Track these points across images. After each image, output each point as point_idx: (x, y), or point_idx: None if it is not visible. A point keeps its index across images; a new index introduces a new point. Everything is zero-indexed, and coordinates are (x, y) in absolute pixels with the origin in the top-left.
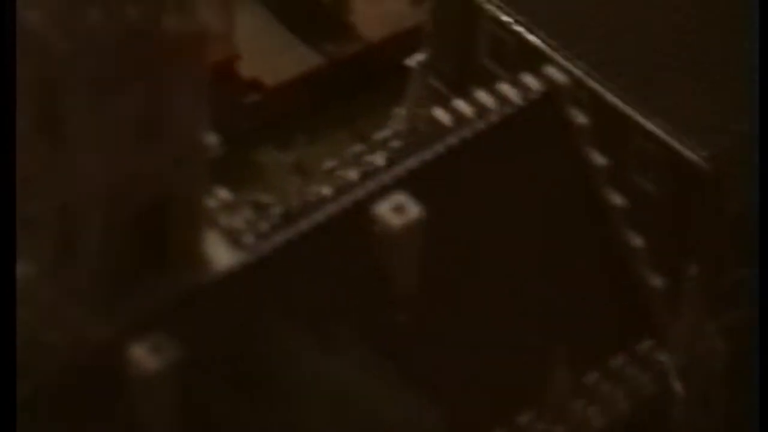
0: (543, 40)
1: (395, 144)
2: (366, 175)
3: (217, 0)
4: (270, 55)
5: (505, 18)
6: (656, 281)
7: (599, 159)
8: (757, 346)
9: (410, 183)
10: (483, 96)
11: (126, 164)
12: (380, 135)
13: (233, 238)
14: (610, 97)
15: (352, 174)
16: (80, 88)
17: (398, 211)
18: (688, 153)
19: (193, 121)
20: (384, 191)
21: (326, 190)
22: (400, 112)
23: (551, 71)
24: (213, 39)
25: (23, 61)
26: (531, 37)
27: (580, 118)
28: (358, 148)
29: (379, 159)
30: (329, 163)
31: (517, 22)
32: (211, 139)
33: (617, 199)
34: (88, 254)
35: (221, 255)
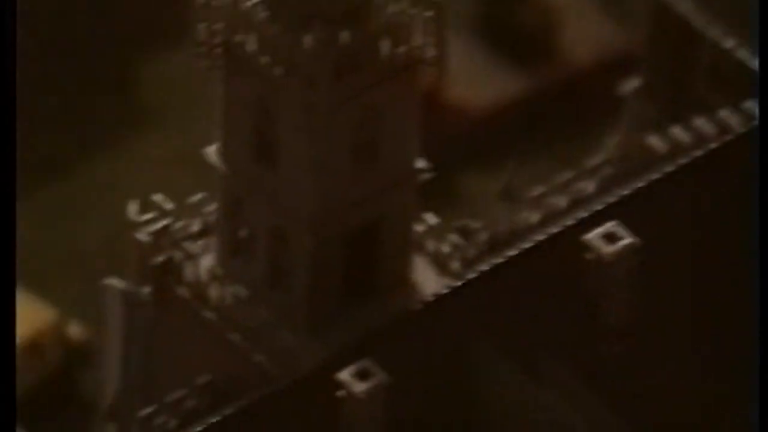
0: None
1: (607, 171)
2: (576, 203)
3: (431, 26)
4: (476, 80)
5: (727, 43)
6: None
7: None
8: (757, 346)
9: (622, 211)
10: (701, 123)
11: (339, 189)
12: (591, 162)
13: (440, 264)
14: None
15: (562, 201)
16: (294, 112)
17: (610, 239)
18: None
19: (405, 145)
20: (595, 219)
21: (535, 217)
22: (612, 138)
23: None
24: (426, 65)
25: (238, 83)
26: (755, 64)
27: None
28: (567, 174)
29: (589, 186)
30: (538, 190)
31: (739, 47)
32: (421, 163)
33: None
34: (298, 278)
35: (428, 281)
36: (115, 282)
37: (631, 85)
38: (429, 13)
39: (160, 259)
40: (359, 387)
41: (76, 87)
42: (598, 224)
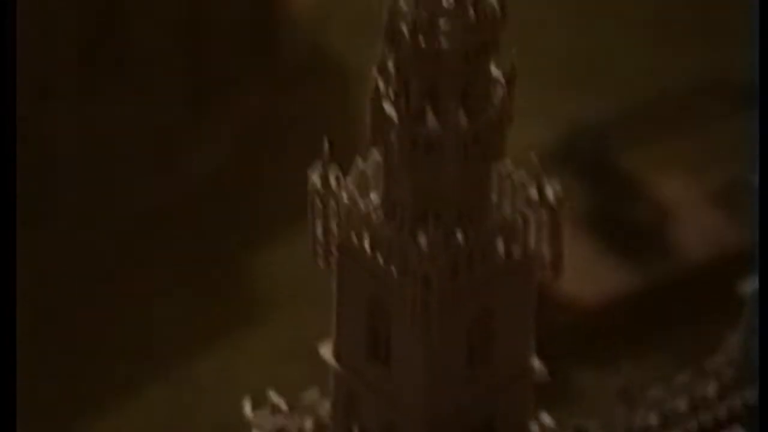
0: None
1: (729, 373)
2: (697, 406)
3: (549, 229)
4: (590, 275)
5: None
6: None
7: None
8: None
9: (746, 417)
10: None
11: (453, 388)
12: (712, 363)
13: None
14: None
15: (682, 404)
16: (409, 311)
17: None
18: None
19: (519, 344)
20: (718, 425)
21: (653, 420)
22: (734, 338)
23: None
24: (542, 266)
25: (353, 282)
26: None
27: None
28: (687, 376)
29: (711, 389)
30: (656, 391)
31: None
32: (537, 363)
33: None
34: None
35: None
36: None
37: (751, 284)
38: (544, 215)
39: None
40: None
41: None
42: (721, 429)
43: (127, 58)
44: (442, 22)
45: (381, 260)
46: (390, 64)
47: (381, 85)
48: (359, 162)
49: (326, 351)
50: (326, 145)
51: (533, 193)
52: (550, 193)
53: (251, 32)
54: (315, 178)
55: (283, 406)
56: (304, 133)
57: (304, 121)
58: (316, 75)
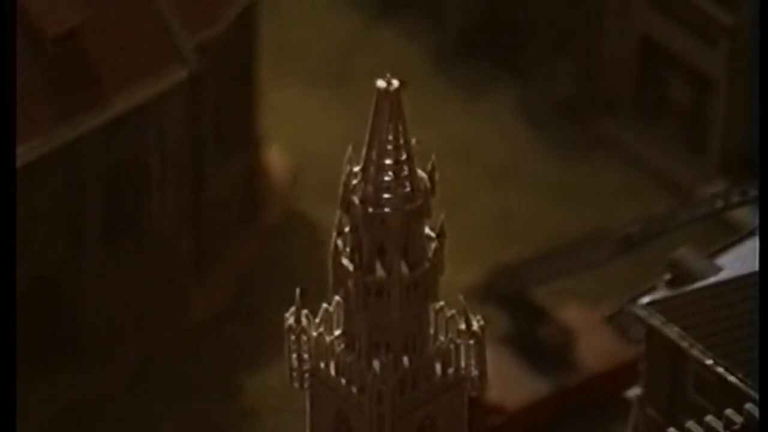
0: (742, 380)
1: None
2: None
3: (473, 351)
4: (510, 384)
5: (708, 361)
6: None
7: None
8: (756, 347)
9: None
10: (693, 426)
11: None
12: None
13: None
14: None
15: None
16: (366, 422)
17: None
18: None
19: None
20: None
21: None
22: None
23: (750, 407)
24: (471, 381)
25: (322, 399)
26: (731, 378)
27: None
28: None
29: None
30: None
31: (717, 364)
32: None
33: None
34: None
35: None
36: None
37: (634, 391)
38: (471, 341)
39: None
40: None
41: (179, 393)
42: None
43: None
44: (385, 193)
45: (344, 381)
46: (346, 228)
47: (339, 243)
48: (324, 305)
49: None
50: (298, 294)
51: (462, 325)
52: (475, 324)
53: (239, 203)
54: (290, 318)
55: None
56: (286, 280)
57: (285, 272)
58: (293, 236)
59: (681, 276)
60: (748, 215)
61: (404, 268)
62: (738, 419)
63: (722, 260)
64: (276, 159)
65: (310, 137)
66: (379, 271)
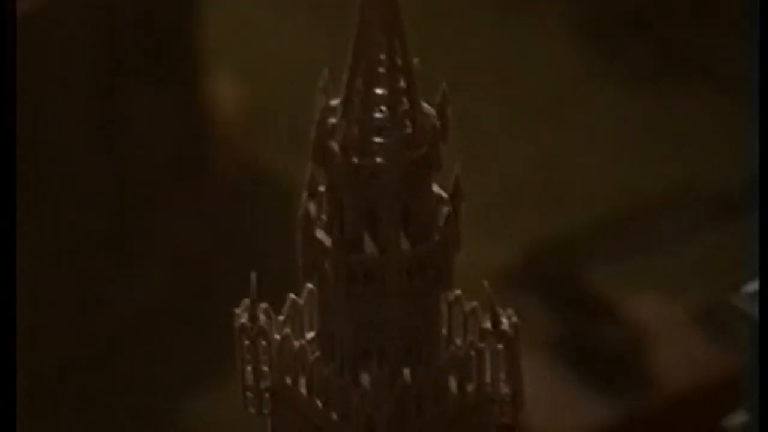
0: None
1: None
2: None
3: (506, 362)
4: (559, 407)
5: None
6: None
7: None
8: (757, 347)
9: None
10: None
11: None
12: None
13: None
14: None
15: None
16: None
17: None
18: None
19: None
20: None
21: None
22: None
23: None
24: (499, 403)
25: (289, 428)
26: None
27: None
28: None
29: None
30: None
31: None
32: None
33: None
34: None
35: None
36: None
37: (737, 419)
38: (500, 346)
39: None
40: None
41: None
42: None
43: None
44: (376, 137)
45: (319, 404)
46: (321, 186)
47: (312, 209)
48: (291, 296)
49: None
50: (253, 280)
51: (487, 323)
52: (505, 321)
53: (178, 152)
54: (242, 315)
55: None
56: (237, 262)
57: (237, 248)
58: (249, 197)
59: None
60: None
61: (404, 243)
62: None
63: None
64: (226, 91)
65: (272, 60)
66: (369, 248)
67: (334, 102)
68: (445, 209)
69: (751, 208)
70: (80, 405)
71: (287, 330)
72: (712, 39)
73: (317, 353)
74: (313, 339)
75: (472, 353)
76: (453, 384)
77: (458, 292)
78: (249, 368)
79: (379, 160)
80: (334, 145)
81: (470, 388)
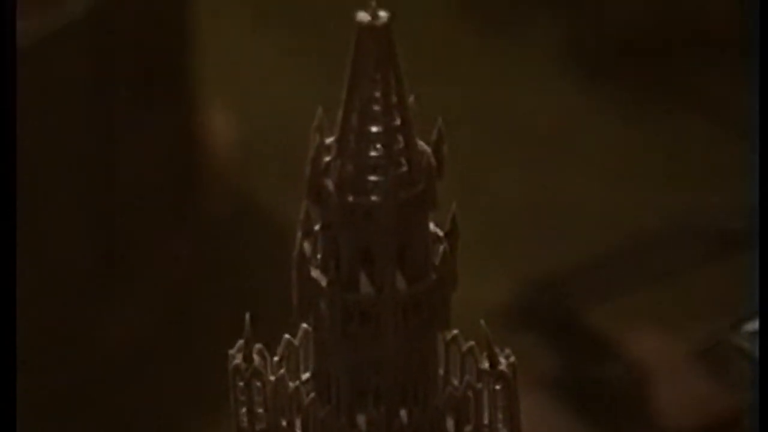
0: None
1: None
2: None
3: (504, 402)
4: None
5: None
6: None
7: None
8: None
9: None
10: None
11: None
12: None
13: None
14: None
15: None
16: None
17: None
18: None
19: None
20: None
21: None
22: None
23: None
24: None
25: None
26: None
27: None
28: None
29: None
30: None
31: None
32: None
33: None
34: None
35: None
36: None
37: None
38: (498, 386)
39: None
40: None
41: None
42: None
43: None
44: (371, 175)
45: None
46: (316, 225)
47: (307, 247)
48: (287, 336)
49: None
50: (247, 320)
51: (484, 362)
52: (502, 361)
53: (171, 187)
54: (236, 355)
55: None
56: (230, 301)
57: (230, 286)
58: (242, 234)
59: None
60: None
61: (400, 282)
62: None
63: None
64: (219, 126)
65: (266, 95)
66: (365, 287)
67: (329, 140)
68: (441, 247)
69: (751, 244)
70: None
71: (282, 371)
72: (711, 69)
73: (313, 394)
74: (308, 380)
75: (470, 394)
76: (450, 425)
77: (455, 331)
78: (243, 410)
79: (374, 198)
80: (329, 184)
81: (468, 429)
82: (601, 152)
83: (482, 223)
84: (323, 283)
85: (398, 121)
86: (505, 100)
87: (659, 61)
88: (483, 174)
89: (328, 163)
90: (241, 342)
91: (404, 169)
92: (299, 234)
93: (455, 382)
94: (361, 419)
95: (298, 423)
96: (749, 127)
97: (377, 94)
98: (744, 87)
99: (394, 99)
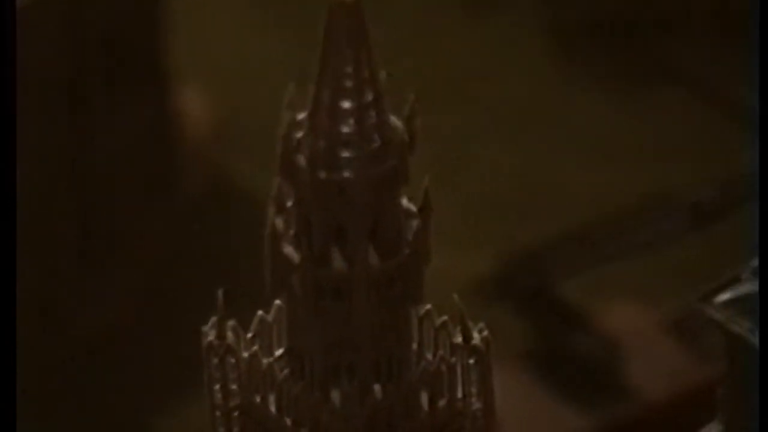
0: None
1: None
2: None
3: (474, 374)
4: (533, 420)
5: None
6: None
7: None
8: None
9: None
10: None
11: None
12: None
13: None
14: None
15: None
16: None
17: None
18: None
19: None
20: None
21: None
22: None
23: None
24: (470, 418)
25: None
26: None
27: None
28: None
29: None
30: None
31: None
32: None
33: None
34: None
35: None
36: None
37: (712, 428)
38: (471, 360)
39: None
40: None
41: None
42: None
43: None
44: (343, 151)
45: (288, 422)
46: (288, 201)
47: (279, 224)
48: (260, 312)
49: None
50: (220, 296)
51: (458, 337)
52: (476, 335)
53: (146, 165)
54: (210, 332)
55: None
56: (204, 278)
57: (203, 262)
58: (216, 212)
59: None
60: None
61: (373, 258)
62: None
63: None
64: (192, 103)
65: (239, 72)
66: (338, 262)
67: (301, 116)
68: (414, 222)
69: (724, 217)
70: (45, 421)
71: (255, 347)
72: (691, 44)
73: (286, 370)
74: (281, 356)
75: (443, 368)
76: (424, 399)
77: (428, 306)
78: (217, 387)
79: (346, 174)
80: (301, 160)
81: (441, 403)
82: (580, 129)
83: (457, 197)
84: (296, 259)
85: (370, 97)
86: (486, 78)
87: (637, 37)
88: (463, 150)
89: (300, 139)
90: (214, 319)
91: (376, 144)
92: (271, 210)
93: (429, 356)
94: (335, 395)
95: (272, 399)
96: (729, 103)
97: (349, 70)
98: (728, 65)
99: (366, 74)
